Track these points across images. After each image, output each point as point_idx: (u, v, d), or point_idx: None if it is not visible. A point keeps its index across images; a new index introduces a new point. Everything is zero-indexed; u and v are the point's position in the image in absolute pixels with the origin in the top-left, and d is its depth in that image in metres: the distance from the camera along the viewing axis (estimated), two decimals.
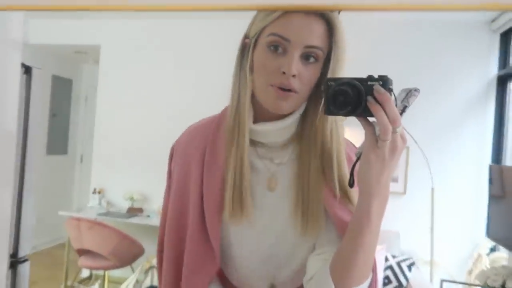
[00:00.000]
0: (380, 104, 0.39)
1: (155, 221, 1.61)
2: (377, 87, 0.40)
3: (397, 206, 1.49)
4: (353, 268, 0.46)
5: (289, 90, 0.46)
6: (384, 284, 1.32)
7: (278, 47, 0.46)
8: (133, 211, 1.73)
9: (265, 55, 0.47)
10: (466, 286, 1.32)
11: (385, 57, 1.55)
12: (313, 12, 0.49)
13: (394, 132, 0.39)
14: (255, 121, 0.51)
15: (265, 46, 0.47)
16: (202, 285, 0.54)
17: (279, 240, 0.54)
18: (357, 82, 0.42)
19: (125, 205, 1.79)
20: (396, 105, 0.41)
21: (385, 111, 0.39)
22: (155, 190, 1.77)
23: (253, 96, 0.50)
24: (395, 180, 1.46)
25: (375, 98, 0.40)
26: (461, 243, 1.50)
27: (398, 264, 1.33)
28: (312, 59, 0.47)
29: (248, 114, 0.51)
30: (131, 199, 1.77)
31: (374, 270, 0.49)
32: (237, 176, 0.50)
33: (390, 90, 0.40)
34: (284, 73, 0.46)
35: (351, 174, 0.45)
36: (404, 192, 1.51)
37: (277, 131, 0.51)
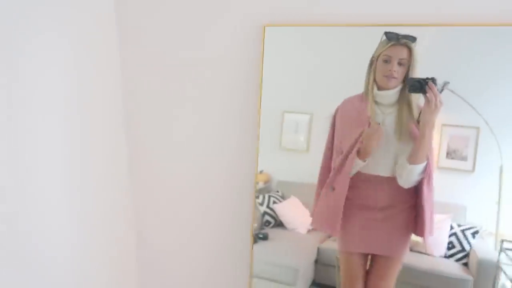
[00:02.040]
0: (431, 89, 1.22)
1: None
2: (429, 83, 1.23)
3: (465, 183, 1.60)
4: (418, 154, 1.27)
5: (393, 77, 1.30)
6: (448, 248, 1.49)
7: (387, 60, 1.30)
8: None
9: (382, 63, 1.31)
10: None
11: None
12: (397, 43, 1.28)
13: (436, 99, 1.22)
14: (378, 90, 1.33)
15: (382, 60, 1.30)
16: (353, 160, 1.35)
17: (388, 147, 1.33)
18: (422, 79, 1.23)
19: None
20: (438, 90, 1.23)
21: (432, 92, 1.22)
22: None
23: (374, 79, 1.33)
24: (464, 158, 1.56)
25: (428, 86, 1.22)
26: None
27: (463, 231, 1.49)
28: (402, 65, 1.29)
29: (372, 86, 1.33)
30: None
31: (428, 159, 1.29)
32: (371, 114, 1.33)
33: (434, 81, 1.23)
34: (389, 70, 1.30)
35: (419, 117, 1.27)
36: (473, 170, 1.64)
37: (388, 96, 1.32)
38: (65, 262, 1.56)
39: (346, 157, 1.35)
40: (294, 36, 1.53)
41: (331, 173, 1.40)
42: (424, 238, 1.38)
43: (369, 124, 1.28)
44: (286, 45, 1.55)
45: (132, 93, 1.79)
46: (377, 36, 1.35)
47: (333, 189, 1.37)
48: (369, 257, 1.50)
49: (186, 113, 1.73)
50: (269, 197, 1.71)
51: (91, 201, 1.66)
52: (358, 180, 1.37)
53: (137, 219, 1.90)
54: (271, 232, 1.71)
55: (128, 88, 1.78)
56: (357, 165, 1.37)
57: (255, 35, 1.55)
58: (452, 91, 1.31)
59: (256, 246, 1.69)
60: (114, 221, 1.79)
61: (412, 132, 1.29)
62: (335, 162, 1.39)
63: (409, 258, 1.48)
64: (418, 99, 1.32)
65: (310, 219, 1.60)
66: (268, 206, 1.71)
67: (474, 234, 1.48)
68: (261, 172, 1.66)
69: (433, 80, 1.20)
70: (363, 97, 1.33)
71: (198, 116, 1.71)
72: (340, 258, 1.51)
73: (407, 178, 1.29)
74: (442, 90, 1.21)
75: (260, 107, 1.58)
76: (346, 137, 1.37)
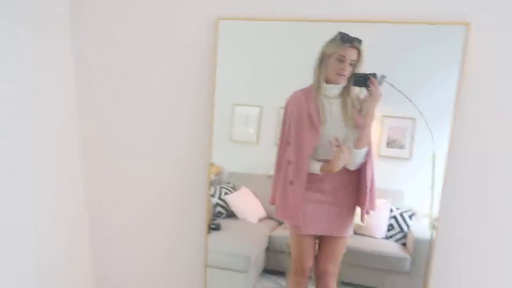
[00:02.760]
0: (372, 83, 1.37)
1: None
2: (371, 78, 1.38)
3: (403, 170, 1.73)
4: (362, 140, 1.42)
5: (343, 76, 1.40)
6: (388, 230, 1.62)
7: (340, 59, 1.39)
8: None
9: (336, 62, 1.40)
10: None
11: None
12: (351, 46, 1.39)
13: (377, 92, 1.37)
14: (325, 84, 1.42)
15: (335, 59, 1.39)
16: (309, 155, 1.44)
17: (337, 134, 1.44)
18: (365, 75, 1.39)
19: None
20: (378, 83, 1.37)
21: (374, 85, 1.37)
22: None
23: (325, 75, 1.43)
24: (402, 147, 1.67)
25: (370, 81, 1.37)
26: None
27: (401, 214, 1.62)
28: (351, 64, 1.39)
29: (322, 81, 1.42)
30: None
31: (370, 145, 1.44)
32: (319, 108, 1.43)
33: (375, 76, 1.37)
34: (343, 69, 1.40)
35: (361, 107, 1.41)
36: (410, 158, 1.77)
37: (334, 89, 1.43)
38: (25, 244, 1.50)
39: (304, 157, 1.44)
40: (247, 30, 1.56)
41: (289, 168, 1.46)
42: (362, 209, 1.49)
43: (336, 145, 1.42)
44: (239, 39, 1.58)
45: (85, 89, 1.73)
46: (323, 33, 1.43)
47: (292, 183, 1.42)
48: (317, 241, 1.59)
49: (140, 107, 1.71)
50: (221, 188, 1.74)
51: (45, 193, 1.60)
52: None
53: (91, 218, 1.85)
54: (223, 222, 1.74)
55: (81, 85, 1.72)
56: (314, 170, 1.47)
57: (209, 29, 1.56)
58: (391, 85, 1.41)
59: (209, 237, 1.72)
60: (67, 237, 1.73)
61: (356, 120, 1.42)
62: (289, 155, 1.46)
63: (353, 241, 1.59)
64: (359, 92, 1.44)
65: (261, 209, 1.65)
66: (220, 197, 1.74)
67: (411, 216, 1.62)
68: (212, 164, 1.69)
69: (374, 75, 1.36)
70: (311, 89, 1.43)
71: (152, 111, 1.70)
72: (291, 241, 1.57)
73: (353, 161, 1.43)
74: (381, 83, 1.37)
75: (214, 101, 1.60)
76: (295, 130, 1.45)
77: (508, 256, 1.52)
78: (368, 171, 1.45)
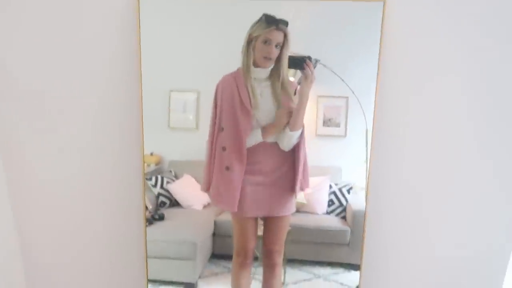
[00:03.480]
0: (308, 66, 1.37)
1: None
2: (307, 60, 1.38)
3: (339, 147, 1.80)
4: (297, 122, 1.43)
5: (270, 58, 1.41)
6: (329, 205, 1.69)
7: (266, 42, 1.38)
8: None
9: (262, 45, 1.39)
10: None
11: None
12: (277, 28, 1.38)
13: (312, 75, 1.38)
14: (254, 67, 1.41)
15: (261, 42, 1.38)
16: (247, 133, 1.45)
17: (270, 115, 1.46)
18: (301, 57, 1.38)
19: None
20: (313, 65, 1.38)
21: (309, 68, 1.37)
22: None
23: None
24: (338, 125, 1.73)
25: (306, 64, 1.37)
26: None
27: (340, 189, 1.69)
28: (278, 46, 1.39)
29: (250, 65, 1.41)
30: None
31: (303, 126, 1.46)
32: (250, 92, 1.42)
33: (310, 59, 1.38)
34: (269, 52, 1.39)
35: (295, 90, 1.43)
36: (345, 135, 1.85)
37: (262, 72, 1.43)
38: None
39: (241, 143, 1.43)
40: (175, 9, 1.52)
41: (224, 154, 1.45)
42: (295, 187, 1.52)
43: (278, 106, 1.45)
44: (164, 19, 1.53)
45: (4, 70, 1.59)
46: (252, 13, 1.41)
47: (228, 169, 1.42)
48: (261, 222, 1.62)
49: (65, 99, 1.61)
50: (162, 178, 1.71)
51: None
52: (247, 150, 1.45)
53: (18, 218, 1.74)
54: (168, 212, 1.72)
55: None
56: (256, 140, 1.46)
57: (130, 5, 1.48)
58: (324, 65, 1.45)
59: (152, 228, 1.68)
60: None
61: (285, 102, 1.43)
62: (223, 141, 1.45)
63: (296, 219, 1.64)
64: (288, 74, 1.45)
65: (205, 195, 1.65)
66: (162, 187, 1.71)
67: (349, 190, 1.70)
68: (151, 154, 1.65)
69: (309, 58, 1.38)
70: (241, 72, 1.42)
71: (78, 103, 1.61)
72: (233, 223, 1.59)
73: (288, 142, 1.46)
74: (315, 66, 1.39)
75: (141, 88, 1.54)
76: (227, 115, 1.44)
77: (428, 221, 1.65)
78: (301, 151, 1.48)
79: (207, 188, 1.55)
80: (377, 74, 1.50)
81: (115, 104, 1.59)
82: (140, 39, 1.49)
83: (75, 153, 1.65)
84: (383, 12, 1.44)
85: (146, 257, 1.70)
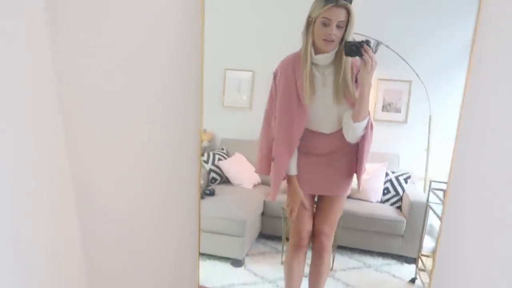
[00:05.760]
0: (366, 52, 1.18)
1: None
2: (364, 46, 1.18)
3: (398, 133, 1.71)
4: (360, 113, 1.27)
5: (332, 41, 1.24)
6: (384, 193, 1.61)
7: (326, 23, 1.22)
8: None
9: (321, 26, 1.23)
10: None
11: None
12: (336, 5, 1.20)
13: (372, 61, 1.19)
14: (315, 54, 1.28)
15: (320, 23, 1.23)
16: (300, 130, 1.35)
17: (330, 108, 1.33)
18: (358, 43, 1.19)
19: None
20: (372, 51, 1.19)
21: (368, 54, 1.18)
22: None
23: (313, 42, 1.27)
24: (398, 110, 1.65)
25: (364, 49, 1.18)
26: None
27: (396, 178, 1.61)
28: (341, 28, 1.22)
29: (310, 50, 1.28)
30: None
31: (369, 114, 1.29)
32: (308, 79, 1.29)
33: (369, 44, 1.19)
34: (329, 34, 1.23)
35: (356, 77, 1.27)
36: (406, 121, 1.75)
37: (325, 58, 1.28)
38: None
39: (292, 143, 1.37)
40: None
41: (273, 144, 1.40)
42: (359, 178, 1.44)
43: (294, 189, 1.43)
44: (227, 2, 1.51)
45: (66, 51, 1.67)
46: None
47: (273, 159, 1.39)
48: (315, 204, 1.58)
49: (129, 76, 1.65)
50: (214, 154, 1.72)
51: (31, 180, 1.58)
52: (304, 134, 1.38)
53: (77, 193, 1.85)
54: (218, 188, 1.74)
55: (61, 46, 1.66)
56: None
57: None
58: (387, 47, 1.36)
59: (203, 202, 1.72)
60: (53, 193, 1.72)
61: (344, 96, 1.31)
62: (274, 132, 1.40)
63: (349, 205, 1.59)
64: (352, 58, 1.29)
65: (255, 175, 1.64)
66: (213, 164, 1.73)
67: (406, 179, 1.61)
68: (205, 130, 1.66)
69: (367, 42, 1.20)
70: (301, 58, 1.29)
71: (141, 79, 1.64)
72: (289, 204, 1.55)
73: (353, 134, 1.33)
74: (375, 50, 1.23)
75: (202, 65, 1.54)
76: (281, 105, 1.37)
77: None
78: (366, 145, 1.36)
79: (262, 171, 1.51)
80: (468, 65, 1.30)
81: (176, 81, 1.61)
82: (203, 16, 1.48)
83: (139, 123, 1.70)
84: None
85: (199, 231, 1.74)
